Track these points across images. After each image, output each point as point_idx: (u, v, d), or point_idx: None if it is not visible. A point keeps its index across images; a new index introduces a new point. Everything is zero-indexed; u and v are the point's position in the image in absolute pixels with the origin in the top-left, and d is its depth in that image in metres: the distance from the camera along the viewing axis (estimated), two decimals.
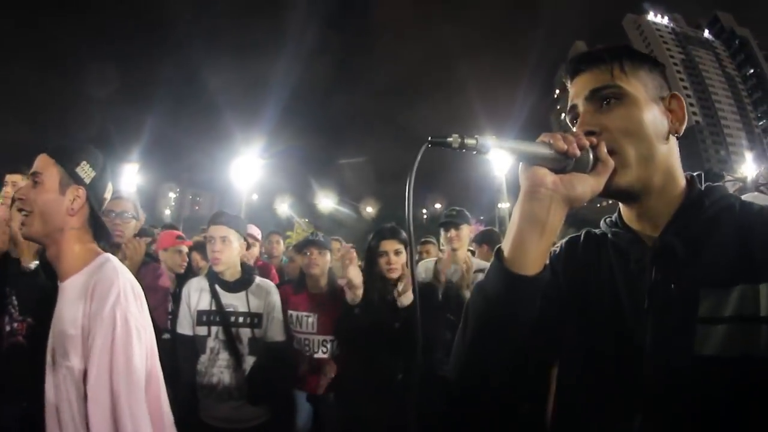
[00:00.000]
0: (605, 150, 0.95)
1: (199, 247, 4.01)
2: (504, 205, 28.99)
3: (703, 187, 1.03)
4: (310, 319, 3.50)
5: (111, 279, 1.61)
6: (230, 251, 3.15)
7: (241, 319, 3.13)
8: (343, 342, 3.27)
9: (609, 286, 1.04)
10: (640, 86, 1.02)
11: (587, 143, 0.93)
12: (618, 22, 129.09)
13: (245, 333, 3.12)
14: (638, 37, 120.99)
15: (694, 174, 1.07)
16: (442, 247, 4.22)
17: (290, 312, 3.51)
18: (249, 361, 3.10)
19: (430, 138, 0.86)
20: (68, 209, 1.69)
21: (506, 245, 0.95)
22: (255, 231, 4.98)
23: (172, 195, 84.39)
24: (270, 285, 3.36)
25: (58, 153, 1.72)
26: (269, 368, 3.12)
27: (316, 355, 3.46)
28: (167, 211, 69.28)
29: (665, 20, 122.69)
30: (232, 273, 3.20)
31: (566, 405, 1.08)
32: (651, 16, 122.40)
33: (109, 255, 1.74)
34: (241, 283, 3.21)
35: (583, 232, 1.17)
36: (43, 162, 1.71)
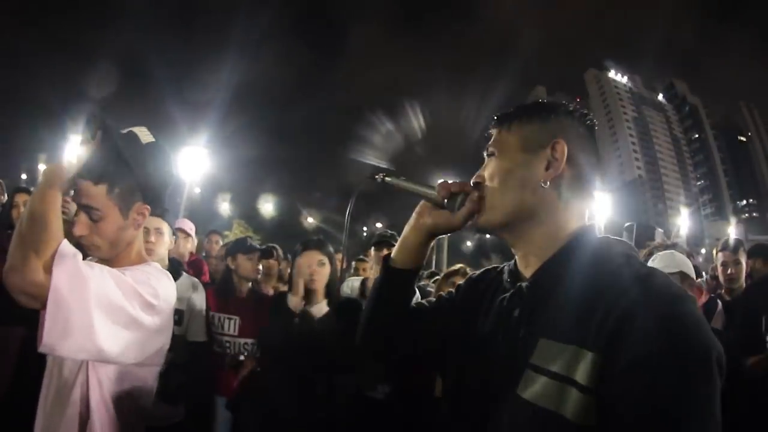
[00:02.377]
0: (473, 197, 1.12)
1: None
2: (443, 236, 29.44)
3: (593, 239, 1.06)
4: (233, 322, 3.45)
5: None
6: (163, 244, 3.07)
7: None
8: (266, 347, 3.20)
9: (484, 317, 1.17)
10: (518, 140, 1.11)
11: (457, 189, 1.14)
12: (580, 74, 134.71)
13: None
14: (597, 90, 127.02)
15: (591, 224, 1.10)
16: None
17: (213, 314, 3.46)
18: (167, 358, 2.97)
19: (368, 176, 1.27)
20: (135, 226, 1.65)
21: (395, 250, 1.28)
22: (189, 225, 4.87)
23: None
24: (195, 283, 3.28)
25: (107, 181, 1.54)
26: (187, 368, 3.02)
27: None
28: None
29: (624, 79, 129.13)
30: (159, 261, 3.07)
31: (443, 410, 1.21)
32: (612, 74, 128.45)
33: (156, 263, 1.72)
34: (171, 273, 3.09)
35: (504, 264, 1.28)
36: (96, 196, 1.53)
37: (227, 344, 3.42)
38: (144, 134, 1.61)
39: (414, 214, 1.24)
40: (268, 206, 46.36)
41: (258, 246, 3.66)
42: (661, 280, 0.90)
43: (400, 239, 1.26)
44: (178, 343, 3.01)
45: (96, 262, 1.56)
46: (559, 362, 0.89)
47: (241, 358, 3.25)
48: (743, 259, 3.57)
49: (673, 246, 3.08)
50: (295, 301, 2.88)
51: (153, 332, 1.53)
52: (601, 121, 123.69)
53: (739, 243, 3.66)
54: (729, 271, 3.53)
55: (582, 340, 0.88)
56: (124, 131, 1.58)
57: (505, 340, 1.05)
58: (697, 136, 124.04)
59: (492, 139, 1.16)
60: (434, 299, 1.37)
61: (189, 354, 3.08)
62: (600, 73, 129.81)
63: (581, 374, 0.85)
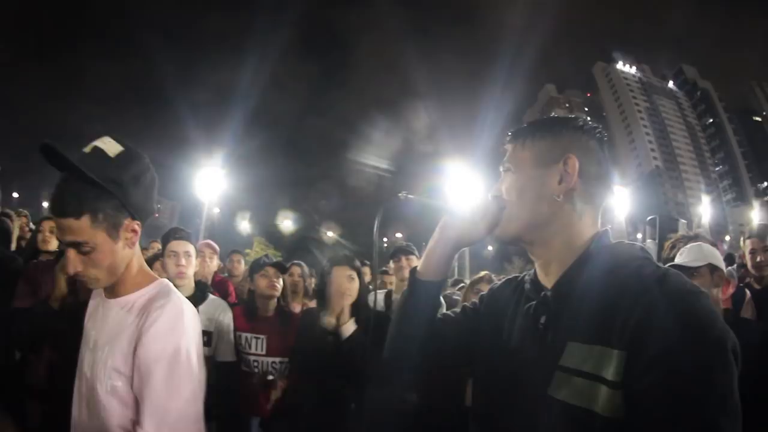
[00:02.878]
0: (492, 209, 1.22)
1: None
2: None
3: (608, 244, 1.16)
4: (260, 341, 3.47)
5: (177, 307, 1.53)
6: (192, 266, 3.17)
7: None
8: (296, 364, 3.23)
9: (510, 324, 1.25)
10: (531, 156, 1.21)
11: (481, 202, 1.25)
12: (588, 68, 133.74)
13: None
14: (606, 84, 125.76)
15: (606, 229, 1.19)
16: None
17: (240, 333, 3.47)
18: None
19: (391, 198, 1.36)
20: (129, 245, 1.55)
21: (421, 262, 1.34)
22: (213, 245, 4.94)
23: None
24: (222, 303, 3.33)
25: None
26: (218, 388, 3.04)
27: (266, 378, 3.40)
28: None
29: (633, 70, 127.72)
30: (187, 289, 3.15)
31: (473, 418, 1.30)
32: (620, 65, 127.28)
33: (165, 280, 1.65)
34: (194, 300, 3.12)
35: (524, 273, 1.36)
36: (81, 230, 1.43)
37: (255, 363, 3.43)
38: (110, 145, 1.48)
39: (438, 228, 1.31)
40: (287, 222, 46.55)
41: (271, 261, 3.67)
42: (675, 279, 1.00)
43: (425, 252, 1.33)
44: (207, 363, 3.06)
45: (99, 289, 1.57)
46: (589, 362, 0.98)
47: (270, 377, 3.28)
48: None
49: (695, 237, 3.05)
50: (330, 320, 2.92)
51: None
52: (614, 115, 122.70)
53: (765, 228, 3.59)
54: (758, 259, 3.44)
55: (607, 340, 0.97)
56: (88, 149, 1.45)
57: (533, 346, 1.14)
58: (711, 120, 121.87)
59: (507, 155, 1.25)
60: (459, 310, 1.44)
61: (218, 374, 3.11)
62: (608, 65, 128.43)
63: (609, 371, 0.94)
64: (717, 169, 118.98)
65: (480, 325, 1.35)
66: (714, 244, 2.92)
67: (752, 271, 3.52)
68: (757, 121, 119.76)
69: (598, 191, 1.20)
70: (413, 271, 1.35)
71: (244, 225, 47.31)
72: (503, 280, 1.46)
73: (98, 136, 1.49)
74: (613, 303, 1.00)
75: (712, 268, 2.48)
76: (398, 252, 4.29)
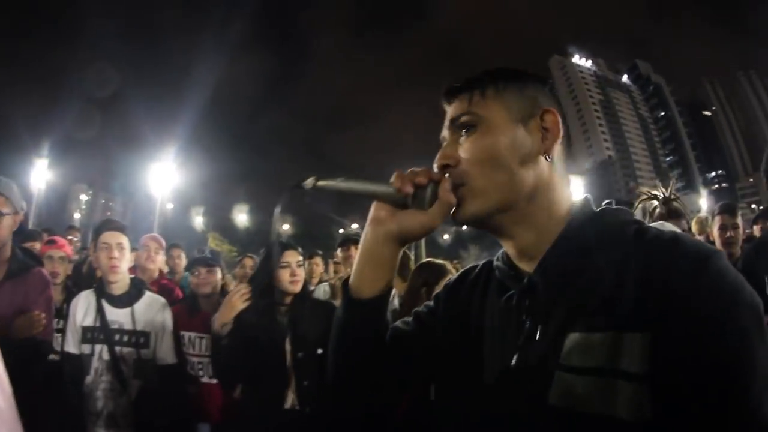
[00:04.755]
0: (446, 186, 0.90)
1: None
2: None
3: (593, 211, 0.94)
4: (204, 341, 3.20)
5: None
6: (126, 260, 2.90)
7: (125, 338, 2.83)
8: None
9: (481, 321, 1.00)
10: (502, 109, 0.93)
11: (425, 180, 0.91)
12: (544, 61, 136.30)
13: (130, 353, 2.82)
14: (562, 76, 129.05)
15: (586, 196, 0.98)
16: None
17: (182, 333, 3.21)
18: (135, 386, 2.81)
19: (291, 185, 0.97)
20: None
21: (352, 274, 1.01)
22: (158, 238, 4.53)
23: (83, 197, 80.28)
24: (160, 301, 3.05)
25: None
26: (159, 394, 2.81)
27: (210, 380, 3.16)
28: (77, 215, 65.67)
29: (588, 63, 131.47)
30: (121, 285, 2.89)
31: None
32: (575, 59, 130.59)
33: None
34: (129, 298, 2.89)
35: (483, 262, 1.12)
36: None
37: (200, 366, 3.19)
38: None
39: (370, 223, 0.97)
40: (242, 217, 45.97)
41: (204, 256, 3.43)
42: (688, 240, 0.81)
43: (358, 257, 0.99)
44: (146, 368, 2.82)
45: None
46: (599, 355, 0.77)
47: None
48: (740, 222, 3.44)
49: (669, 200, 2.98)
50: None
51: None
52: (569, 106, 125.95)
53: (735, 206, 3.54)
54: (728, 235, 3.39)
55: (621, 323, 0.76)
56: None
57: (519, 344, 0.89)
58: (663, 113, 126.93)
59: (462, 110, 0.95)
60: (412, 318, 1.13)
61: (160, 379, 2.87)
62: (564, 59, 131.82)
63: (628, 361, 0.74)
64: (668, 159, 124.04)
65: (441, 332, 1.06)
66: (682, 212, 2.84)
67: (720, 248, 3.42)
68: (707, 115, 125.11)
69: (570, 154, 0.99)
70: (345, 285, 1.02)
71: (199, 220, 46.51)
72: (458, 273, 1.18)
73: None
74: (618, 278, 0.80)
75: None
76: (347, 241, 4.06)
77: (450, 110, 0.98)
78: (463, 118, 0.94)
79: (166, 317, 2.99)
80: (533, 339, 0.87)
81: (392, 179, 0.92)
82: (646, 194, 3.26)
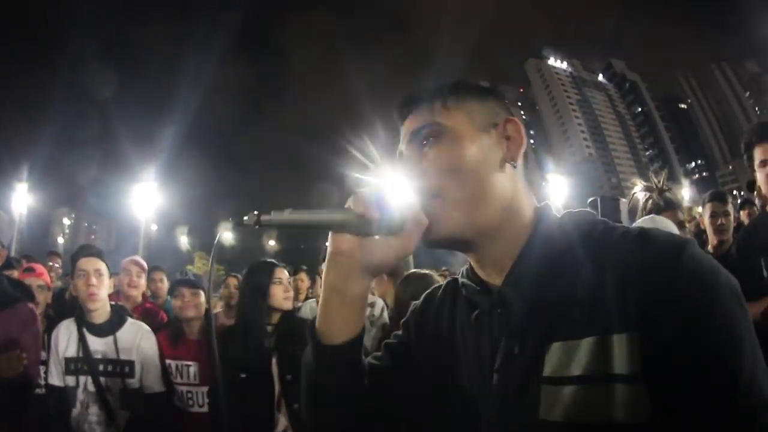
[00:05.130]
0: (415, 204, 0.85)
1: None
2: None
3: (556, 217, 0.91)
4: (191, 369, 3.03)
5: None
6: (104, 287, 2.81)
7: (110, 368, 2.75)
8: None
9: (454, 345, 0.96)
10: (465, 118, 0.89)
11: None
12: (520, 65, 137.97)
13: (115, 383, 2.74)
14: (539, 79, 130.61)
15: (546, 203, 0.94)
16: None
17: (168, 362, 3.04)
18: (123, 416, 2.72)
19: (233, 220, 0.84)
20: None
21: (317, 315, 0.90)
22: (141, 260, 4.34)
23: (66, 221, 79.23)
24: (143, 328, 2.95)
25: None
26: (148, 424, 2.73)
27: (200, 410, 2.99)
28: (60, 239, 64.74)
29: (564, 65, 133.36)
30: (101, 313, 2.80)
31: None
32: (551, 61, 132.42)
33: None
34: (110, 326, 2.80)
35: (447, 281, 1.08)
36: None
37: (189, 395, 3.01)
38: None
39: (333, 257, 0.86)
40: (227, 235, 45.76)
41: (186, 278, 3.28)
42: (657, 233, 0.80)
43: (323, 298, 0.89)
44: (133, 398, 2.74)
45: None
46: (586, 362, 0.75)
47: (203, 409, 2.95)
48: (731, 210, 3.42)
49: (661, 190, 2.97)
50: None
51: None
52: (547, 108, 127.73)
53: (725, 193, 3.52)
54: (719, 222, 3.34)
55: (603, 326, 0.75)
56: None
57: (496, 363, 0.85)
58: (640, 109, 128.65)
59: (424, 121, 0.90)
60: (382, 352, 1.05)
61: (147, 408, 2.78)
62: (540, 61, 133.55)
63: (620, 363, 0.72)
64: (647, 153, 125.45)
65: (415, 362, 1.00)
66: (677, 203, 2.83)
67: (712, 236, 3.40)
68: (683, 108, 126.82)
69: (531, 164, 0.97)
70: (312, 331, 0.90)
71: (184, 240, 46.03)
72: (424, 295, 1.12)
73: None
74: (593, 281, 0.77)
75: None
76: None
77: (408, 123, 0.93)
78: (426, 130, 0.89)
79: (151, 344, 2.89)
80: (512, 355, 0.83)
81: (349, 203, 0.84)
82: (640, 185, 3.24)
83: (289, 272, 2.90)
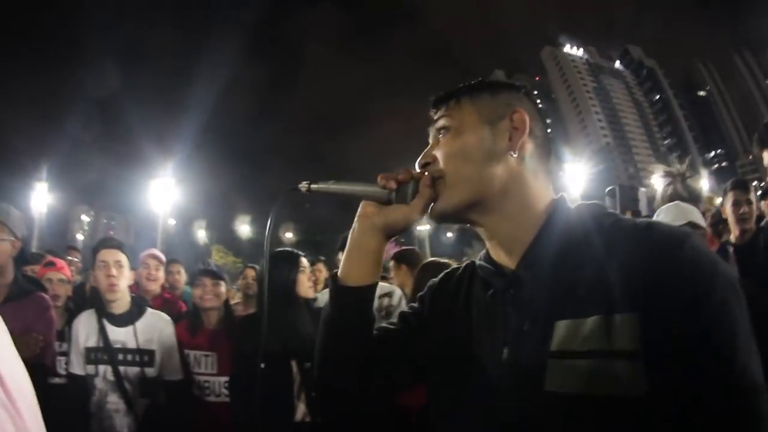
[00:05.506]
0: (426, 181, 1.01)
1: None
2: (423, 228, 29.42)
3: (569, 207, 1.01)
4: (210, 359, 3.09)
5: None
6: (124, 278, 2.85)
7: (129, 357, 2.79)
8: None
9: (468, 320, 1.06)
10: (473, 112, 1.04)
11: (406, 177, 1.03)
12: (536, 53, 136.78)
13: (134, 372, 2.78)
14: (554, 66, 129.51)
15: (561, 195, 1.05)
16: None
17: (187, 351, 3.10)
18: (142, 404, 2.78)
19: (288, 187, 1.09)
20: None
21: (341, 265, 1.09)
22: (158, 253, 4.40)
23: (85, 218, 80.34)
24: (163, 317, 2.99)
25: None
26: (165, 412, 2.76)
27: (217, 399, 3.05)
28: (80, 236, 65.70)
29: (580, 52, 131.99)
30: (121, 304, 2.84)
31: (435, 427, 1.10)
32: (567, 48, 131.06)
33: None
34: (130, 316, 2.84)
35: (465, 263, 1.20)
36: None
37: (206, 384, 3.06)
38: None
39: (358, 218, 1.07)
40: (244, 228, 45.81)
41: (208, 268, 3.31)
42: (663, 225, 0.89)
43: (347, 250, 1.08)
44: (152, 386, 2.77)
45: None
46: (591, 338, 0.82)
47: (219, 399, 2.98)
48: (754, 198, 3.37)
49: (683, 176, 2.93)
50: None
51: None
52: (563, 96, 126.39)
53: (747, 182, 3.45)
54: (742, 210, 3.25)
55: (608, 307, 0.82)
56: None
57: (507, 338, 0.95)
58: (658, 96, 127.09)
59: (441, 117, 1.07)
60: (397, 319, 1.19)
61: (167, 396, 2.84)
62: (555, 49, 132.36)
63: (621, 341, 0.80)
64: (666, 142, 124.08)
65: (427, 333, 1.12)
66: (697, 195, 2.79)
67: (735, 225, 3.33)
68: (701, 95, 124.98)
69: (546, 155, 1.06)
70: (333, 276, 1.09)
71: (201, 234, 46.34)
72: (443, 273, 1.24)
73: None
74: (601, 266, 0.86)
75: (693, 227, 2.31)
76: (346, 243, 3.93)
77: (434, 116, 1.10)
78: (440, 122, 1.06)
79: (170, 333, 2.94)
80: (522, 331, 0.92)
81: (378, 179, 1.03)
82: (660, 170, 3.20)
83: (311, 263, 2.89)
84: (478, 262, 1.10)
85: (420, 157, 1.07)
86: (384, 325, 1.16)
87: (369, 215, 1.05)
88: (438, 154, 1.04)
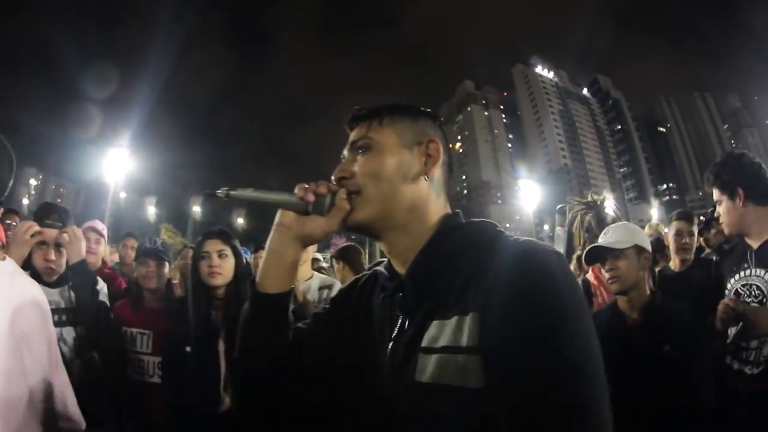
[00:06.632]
0: (343, 195, 1.08)
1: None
2: None
3: (460, 223, 1.11)
4: (146, 337, 3.00)
5: None
6: (64, 257, 2.72)
7: (64, 317, 2.70)
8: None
9: (368, 320, 1.18)
10: (394, 135, 1.12)
11: (324, 190, 1.08)
12: (508, 69, 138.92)
13: (68, 332, 2.69)
14: (524, 85, 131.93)
15: (456, 211, 1.16)
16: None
17: (125, 329, 3.01)
18: (78, 366, 2.68)
19: (206, 192, 1.15)
20: None
21: (258, 272, 1.14)
22: (99, 226, 4.17)
23: (33, 182, 77.25)
24: (98, 280, 2.89)
25: None
26: (100, 385, 2.69)
27: (150, 380, 2.95)
28: (25, 200, 63.14)
29: (550, 74, 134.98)
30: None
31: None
32: (538, 69, 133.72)
33: None
34: (64, 276, 2.73)
35: (373, 270, 1.28)
36: None
37: (140, 363, 2.98)
38: None
39: (276, 227, 1.13)
40: (196, 209, 44.57)
41: (153, 247, 3.25)
42: (532, 243, 0.97)
43: (265, 258, 1.14)
44: (86, 346, 2.70)
45: None
46: (447, 336, 0.94)
47: (152, 379, 2.90)
48: (695, 231, 3.50)
49: (594, 205, 3.06)
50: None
51: None
52: (528, 114, 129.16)
53: (692, 214, 3.59)
54: (683, 241, 3.42)
55: (463, 309, 0.93)
56: None
57: (393, 336, 1.07)
58: (619, 127, 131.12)
59: (361, 135, 1.13)
60: (311, 320, 1.27)
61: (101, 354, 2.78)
62: (527, 68, 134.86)
63: (464, 338, 0.91)
64: (622, 170, 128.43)
65: (334, 333, 1.22)
66: (605, 224, 2.88)
67: (675, 254, 3.48)
68: (661, 131, 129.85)
69: (449, 178, 1.18)
70: (252, 283, 1.14)
71: (151, 211, 44.98)
72: (353, 278, 1.35)
73: None
74: (470, 275, 0.97)
75: (639, 250, 2.36)
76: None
77: (352, 134, 1.16)
78: (361, 142, 1.12)
79: (103, 294, 2.88)
80: (403, 329, 1.05)
81: (296, 190, 1.09)
82: (576, 202, 3.32)
83: (251, 250, 2.82)
84: (379, 269, 1.21)
85: (336, 170, 1.13)
86: (299, 325, 1.21)
87: (287, 225, 1.11)
88: (356, 170, 1.10)
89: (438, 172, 1.13)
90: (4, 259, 1.52)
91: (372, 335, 1.15)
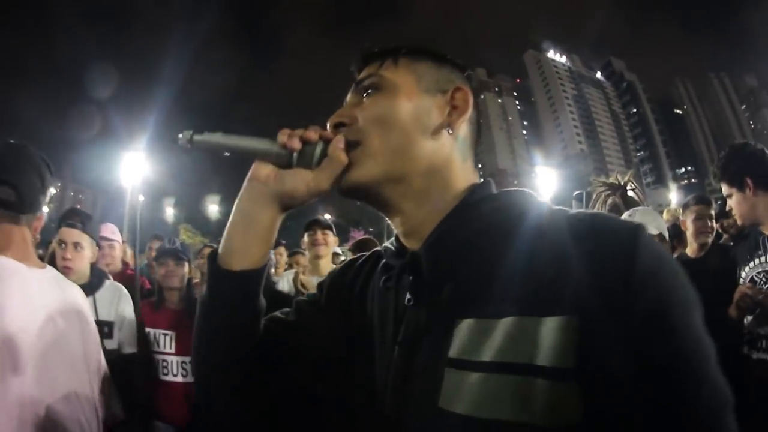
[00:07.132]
0: (340, 145, 0.79)
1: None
2: None
3: (493, 191, 0.83)
4: (168, 338, 3.07)
5: None
6: (83, 259, 2.75)
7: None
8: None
9: (363, 310, 0.90)
10: (412, 77, 0.84)
11: (315, 137, 0.81)
12: (519, 55, 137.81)
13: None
14: (536, 70, 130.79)
15: (488, 179, 0.86)
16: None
17: (147, 329, 3.07)
18: None
19: (171, 139, 0.83)
20: None
21: (222, 240, 0.84)
22: (110, 229, 4.13)
23: (52, 190, 78.03)
24: (120, 289, 2.94)
25: None
26: (123, 385, 2.71)
27: (174, 379, 3.03)
28: (45, 209, 63.85)
29: (563, 59, 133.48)
30: (79, 277, 2.73)
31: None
32: (550, 54, 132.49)
33: None
34: (89, 288, 2.73)
35: (375, 248, 1.00)
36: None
37: (164, 363, 3.05)
38: None
39: (248, 182, 0.83)
40: (213, 208, 45.01)
41: (173, 248, 3.31)
42: (606, 216, 0.71)
43: (230, 222, 0.84)
44: (111, 359, 2.72)
45: None
46: (501, 346, 0.64)
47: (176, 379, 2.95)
48: (713, 214, 3.45)
49: (620, 187, 3.03)
50: None
51: None
52: (542, 100, 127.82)
53: (710, 198, 3.54)
54: (705, 223, 3.33)
55: (534, 307, 0.64)
56: None
57: (401, 334, 0.78)
58: (635, 110, 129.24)
59: (371, 73, 0.85)
60: (292, 308, 0.97)
61: (116, 368, 2.78)
62: (539, 53, 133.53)
63: (546, 353, 0.60)
64: (639, 154, 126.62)
65: (320, 325, 0.93)
66: (636, 202, 2.87)
67: (694, 238, 3.39)
68: (678, 113, 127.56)
69: (477, 142, 0.90)
70: (212, 257, 0.84)
71: (170, 212, 45.46)
72: (349, 259, 1.05)
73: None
74: (526, 256, 0.68)
75: (661, 239, 2.40)
76: (313, 224, 3.50)
77: (360, 74, 0.89)
78: (368, 80, 0.85)
79: (127, 304, 2.90)
80: (417, 328, 0.75)
81: (279, 136, 0.82)
82: (600, 183, 3.28)
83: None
84: (385, 245, 0.93)
85: (333, 115, 0.85)
86: (276, 314, 0.94)
87: (262, 179, 0.82)
88: (359, 115, 0.83)
89: (465, 127, 0.85)
90: (44, 267, 1.52)
91: (368, 334, 0.86)
